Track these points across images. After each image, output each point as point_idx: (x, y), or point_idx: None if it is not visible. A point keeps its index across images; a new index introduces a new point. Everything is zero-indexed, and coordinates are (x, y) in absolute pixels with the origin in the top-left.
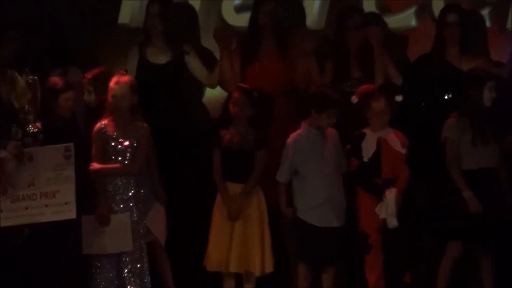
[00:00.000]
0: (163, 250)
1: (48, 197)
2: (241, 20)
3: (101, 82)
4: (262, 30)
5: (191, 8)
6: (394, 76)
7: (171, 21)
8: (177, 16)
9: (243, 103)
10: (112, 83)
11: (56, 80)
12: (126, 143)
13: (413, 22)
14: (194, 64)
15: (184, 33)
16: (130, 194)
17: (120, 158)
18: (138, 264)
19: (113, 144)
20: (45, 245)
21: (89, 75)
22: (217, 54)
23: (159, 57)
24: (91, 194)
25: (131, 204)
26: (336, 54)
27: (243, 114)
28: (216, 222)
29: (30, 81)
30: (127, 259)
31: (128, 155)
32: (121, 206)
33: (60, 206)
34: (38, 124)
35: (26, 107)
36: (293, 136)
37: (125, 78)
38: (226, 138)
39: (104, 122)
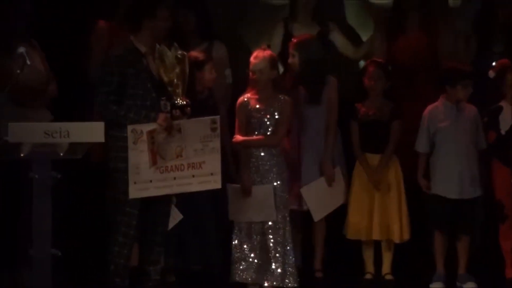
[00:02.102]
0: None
1: (195, 168)
2: None
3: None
4: (406, 5)
5: None
6: None
7: None
8: None
9: (378, 76)
10: (251, 58)
11: (196, 53)
12: (268, 116)
13: None
14: (339, 40)
15: (331, 9)
16: (274, 164)
17: (262, 131)
18: (280, 231)
19: (255, 116)
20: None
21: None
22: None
23: (305, 32)
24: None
25: (274, 175)
26: (482, 29)
27: (378, 87)
28: (355, 191)
29: (179, 55)
30: (270, 227)
31: (270, 127)
32: (265, 176)
33: (206, 177)
34: (186, 97)
35: (175, 81)
36: (429, 107)
37: (264, 53)
38: (362, 110)
39: (247, 95)
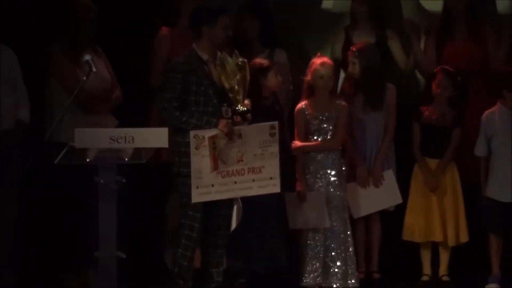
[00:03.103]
0: (375, 221)
1: (255, 172)
2: (435, 5)
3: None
4: (455, 13)
5: None
6: None
7: (376, 6)
8: (382, 1)
9: (447, 85)
10: (317, 65)
11: (260, 60)
12: (326, 121)
13: None
14: (395, 49)
15: (388, 17)
16: (332, 169)
17: (321, 136)
18: (341, 235)
19: (314, 123)
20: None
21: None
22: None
23: (364, 39)
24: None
25: (333, 179)
26: None
27: (445, 94)
28: (413, 193)
29: (240, 62)
30: (332, 231)
31: (329, 132)
32: (324, 181)
33: (266, 181)
34: (247, 103)
35: (236, 87)
36: (487, 112)
37: (328, 60)
38: (425, 114)
39: (304, 102)
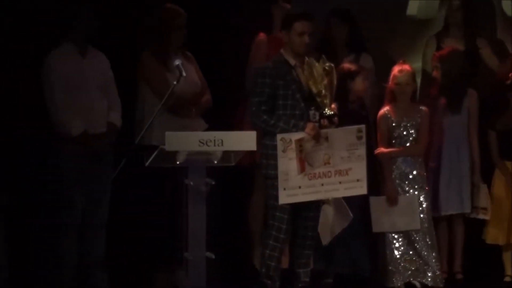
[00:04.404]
0: (458, 223)
1: (342, 175)
2: None
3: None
4: None
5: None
6: None
7: (471, 12)
8: (476, 7)
9: None
10: (396, 71)
11: (349, 64)
12: (409, 126)
13: None
14: (487, 55)
15: (481, 23)
16: (416, 174)
17: (404, 141)
18: (427, 238)
19: (396, 128)
20: None
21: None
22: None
23: (455, 46)
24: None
25: (417, 184)
26: None
27: None
28: (495, 198)
29: (327, 67)
30: (419, 234)
31: (411, 137)
32: (409, 185)
33: (352, 183)
34: (334, 107)
35: (323, 91)
36: None
37: (407, 67)
38: (500, 120)
39: (386, 108)
